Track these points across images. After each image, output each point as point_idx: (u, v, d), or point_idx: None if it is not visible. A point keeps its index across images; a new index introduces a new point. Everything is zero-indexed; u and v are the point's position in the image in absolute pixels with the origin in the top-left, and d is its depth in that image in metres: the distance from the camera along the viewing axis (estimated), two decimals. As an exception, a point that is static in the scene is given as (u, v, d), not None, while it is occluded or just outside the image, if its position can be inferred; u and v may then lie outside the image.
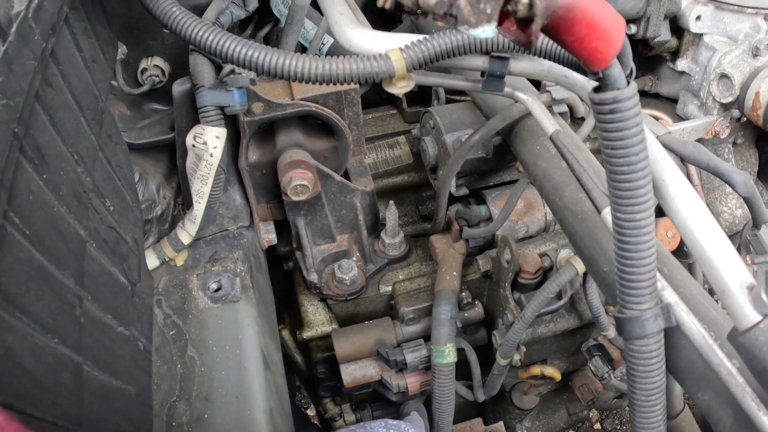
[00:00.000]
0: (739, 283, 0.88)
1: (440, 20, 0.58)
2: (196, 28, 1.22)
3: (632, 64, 0.83)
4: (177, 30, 1.24)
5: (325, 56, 1.81)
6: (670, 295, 0.99)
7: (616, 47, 0.74)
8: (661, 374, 0.97)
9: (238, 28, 1.88)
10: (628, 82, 0.79)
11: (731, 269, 0.89)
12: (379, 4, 0.59)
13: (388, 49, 1.12)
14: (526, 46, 0.65)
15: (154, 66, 1.63)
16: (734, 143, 2.03)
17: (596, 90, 0.80)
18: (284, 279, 1.98)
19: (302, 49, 1.89)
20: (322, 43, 1.84)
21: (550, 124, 1.24)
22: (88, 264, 1.08)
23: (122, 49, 1.60)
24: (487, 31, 0.59)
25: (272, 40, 2.04)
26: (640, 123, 0.81)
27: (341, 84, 1.14)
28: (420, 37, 1.14)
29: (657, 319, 0.94)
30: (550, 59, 1.16)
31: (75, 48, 1.23)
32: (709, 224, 0.94)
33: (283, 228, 1.74)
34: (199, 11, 1.52)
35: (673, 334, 0.99)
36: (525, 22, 0.63)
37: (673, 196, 0.97)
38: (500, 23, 0.65)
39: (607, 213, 1.07)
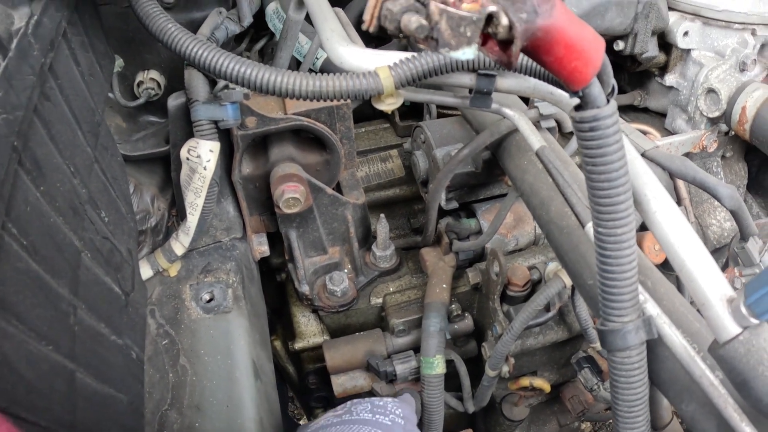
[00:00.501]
0: (719, 296, 0.88)
1: (422, 43, 0.60)
2: (190, 44, 1.23)
3: (613, 82, 0.83)
4: (171, 46, 1.26)
5: (319, 71, 1.84)
6: (652, 308, 0.99)
7: (596, 67, 0.74)
8: (643, 385, 0.98)
9: (234, 41, 1.90)
10: (608, 101, 0.80)
11: (711, 282, 0.90)
12: (364, 27, 0.61)
13: (377, 66, 1.14)
14: (507, 66, 0.67)
15: (150, 79, 1.65)
16: (723, 157, 2.05)
17: (577, 108, 0.81)
18: (277, 290, 1.98)
19: (297, 63, 1.90)
20: (316, 58, 1.86)
21: (536, 139, 1.26)
22: (82, 274, 1.09)
23: (119, 62, 1.62)
24: (467, 54, 0.61)
25: (267, 54, 2.06)
26: (620, 140, 0.81)
27: (331, 100, 1.16)
28: (409, 54, 1.16)
29: (639, 331, 0.94)
30: (535, 77, 1.18)
31: (73, 62, 1.25)
32: (690, 238, 0.94)
33: (276, 240, 1.75)
34: (195, 26, 1.55)
35: (655, 346, 1.00)
36: (506, 44, 0.65)
37: (654, 211, 0.97)
38: (484, 43, 0.66)
39: (590, 227, 1.08)
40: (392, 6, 0.59)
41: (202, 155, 1.40)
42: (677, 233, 0.95)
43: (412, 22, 0.58)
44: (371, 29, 0.60)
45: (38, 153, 1.01)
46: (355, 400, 1.29)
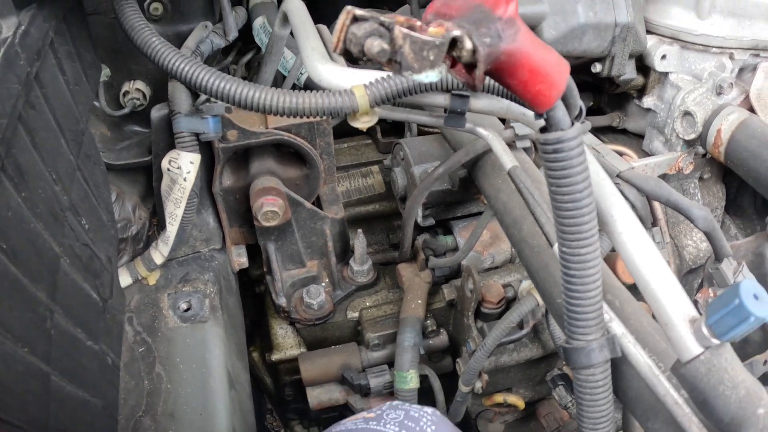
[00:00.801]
0: (682, 316, 0.89)
1: (385, 66, 0.62)
2: (172, 59, 1.25)
3: (580, 104, 0.85)
4: (155, 59, 1.28)
5: (303, 87, 1.86)
6: (617, 327, 1.00)
7: (560, 90, 0.76)
8: (607, 403, 0.99)
9: (222, 54, 1.92)
10: (573, 123, 0.82)
11: (675, 302, 0.91)
12: (331, 49, 0.63)
13: (354, 85, 1.16)
14: (472, 88, 0.69)
15: (135, 89, 1.66)
16: (701, 178, 2.05)
17: (542, 130, 0.83)
18: (256, 301, 2.00)
19: (282, 78, 1.92)
20: (301, 73, 1.88)
21: (508, 159, 1.27)
22: (60, 279, 1.11)
23: (106, 72, 1.63)
24: (430, 77, 0.63)
25: (254, 68, 2.08)
26: (583, 162, 0.83)
27: (308, 117, 1.18)
28: (385, 74, 1.18)
29: (603, 349, 0.96)
30: (508, 98, 1.20)
31: (59, 71, 1.27)
32: (655, 259, 0.96)
33: (256, 252, 1.76)
34: (182, 38, 1.57)
35: (621, 365, 1.02)
36: (470, 66, 0.67)
37: (620, 232, 0.99)
38: (452, 66, 0.69)
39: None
40: (357, 30, 0.61)
41: (183, 166, 1.41)
42: (642, 254, 0.96)
43: (375, 46, 0.60)
44: (337, 52, 0.63)
45: (21, 160, 1.02)
46: (394, 403, 1.19)
